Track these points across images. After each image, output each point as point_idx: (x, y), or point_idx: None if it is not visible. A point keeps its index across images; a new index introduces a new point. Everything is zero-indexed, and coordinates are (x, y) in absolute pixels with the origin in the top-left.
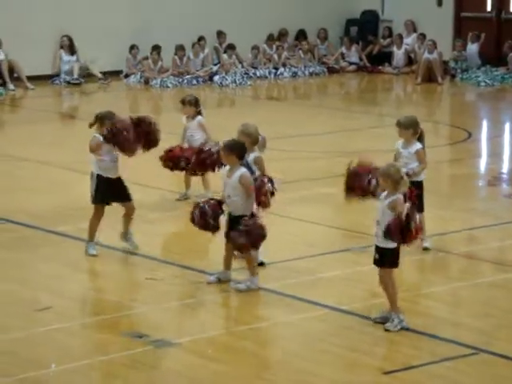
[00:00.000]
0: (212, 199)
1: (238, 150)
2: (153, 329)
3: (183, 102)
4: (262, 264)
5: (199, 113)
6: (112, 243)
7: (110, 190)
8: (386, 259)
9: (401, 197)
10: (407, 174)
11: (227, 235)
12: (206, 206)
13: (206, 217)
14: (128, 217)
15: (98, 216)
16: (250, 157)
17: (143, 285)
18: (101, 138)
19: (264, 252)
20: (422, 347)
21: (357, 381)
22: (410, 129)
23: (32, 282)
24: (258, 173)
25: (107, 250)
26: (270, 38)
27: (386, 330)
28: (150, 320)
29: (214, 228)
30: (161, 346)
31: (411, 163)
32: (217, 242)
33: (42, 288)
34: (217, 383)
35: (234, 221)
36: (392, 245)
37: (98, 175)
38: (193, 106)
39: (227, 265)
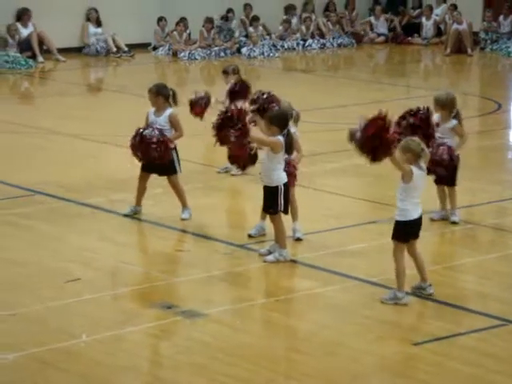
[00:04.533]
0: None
1: (278, 121)
2: (182, 299)
3: (226, 72)
4: (298, 239)
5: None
6: (142, 216)
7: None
8: (393, 232)
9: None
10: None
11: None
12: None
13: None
14: (175, 192)
15: (139, 181)
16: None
17: (172, 256)
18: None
19: (301, 229)
20: (451, 319)
21: (387, 352)
22: (447, 109)
23: (63, 253)
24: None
25: (137, 223)
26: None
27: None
28: (179, 291)
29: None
30: (190, 317)
31: (446, 138)
32: (245, 214)
33: (74, 259)
34: (245, 354)
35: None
36: (398, 218)
37: None
38: (236, 74)
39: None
